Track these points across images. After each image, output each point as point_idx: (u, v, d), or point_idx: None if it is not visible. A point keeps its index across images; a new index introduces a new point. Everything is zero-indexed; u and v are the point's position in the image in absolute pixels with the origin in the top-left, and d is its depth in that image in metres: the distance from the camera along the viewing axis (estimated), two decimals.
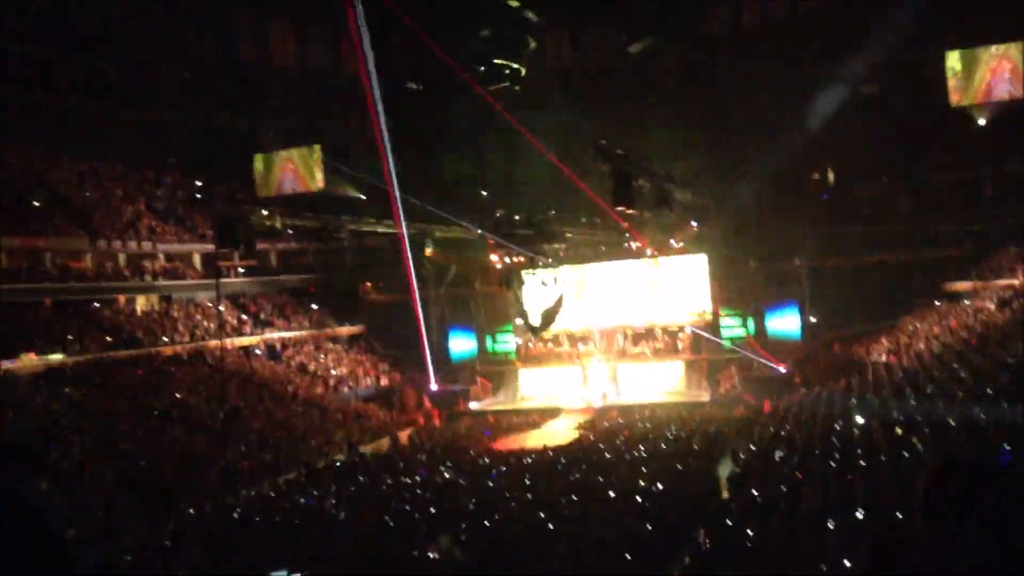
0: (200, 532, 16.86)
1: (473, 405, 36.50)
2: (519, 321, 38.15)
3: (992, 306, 30.54)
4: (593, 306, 37.95)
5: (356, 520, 16.42)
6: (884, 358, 31.60)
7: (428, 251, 37.90)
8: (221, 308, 36.90)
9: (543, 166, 41.05)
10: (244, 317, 38.60)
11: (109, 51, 38.23)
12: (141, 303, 36.23)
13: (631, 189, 23.35)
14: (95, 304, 33.83)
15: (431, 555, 13.10)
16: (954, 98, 31.95)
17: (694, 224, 36.44)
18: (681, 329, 37.21)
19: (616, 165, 22.73)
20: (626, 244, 38.70)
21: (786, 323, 35.36)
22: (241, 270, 41.71)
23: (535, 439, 27.77)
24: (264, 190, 39.82)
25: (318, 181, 38.79)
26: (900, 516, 10.74)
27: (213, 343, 34.03)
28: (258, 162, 39.87)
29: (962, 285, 34.91)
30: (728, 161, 38.24)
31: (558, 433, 28.97)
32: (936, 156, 38.18)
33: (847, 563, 9.57)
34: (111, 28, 37.50)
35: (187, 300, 37.47)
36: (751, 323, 36.21)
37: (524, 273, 38.18)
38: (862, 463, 15.81)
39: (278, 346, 37.91)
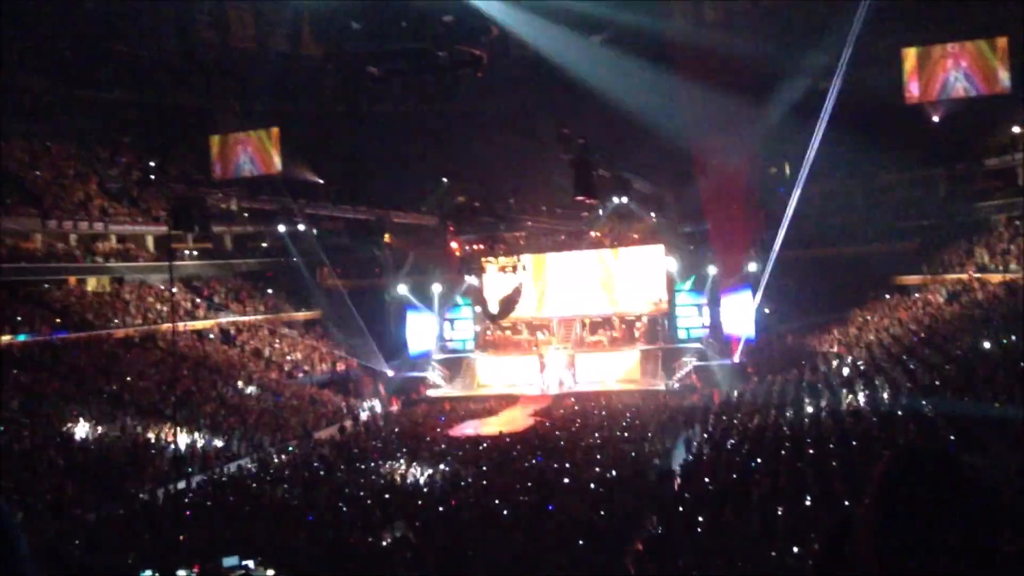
0: (151, 518, 16.65)
1: (430, 392, 36.45)
2: (478, 309, 38.13)
3: (941, 299, 31.19)
4: (551, 295, 38.07)
5: (310, 507, 16.34)
6: (835, 349, 32.14)
7: (386, 237, 37.77)
8: (174, 291, 36.37)
9: (505, 154, 41.07)
10: (198, 300, 38.09)
11: (62, 29, 37.34)
12: (92, 285, 35.59)
13: (592, 178, 23.45)
14: (45, 285, 33.16)
15: (386, 541, 13.09)
16: (909, 95, 32.51)
17: (652, 215, 36.67)
18: (638, 318, 37.48)
19: (577, 154, 22.80)
20: (585, 233, 38.87)
21: (739, 308, 35.56)
22: (195, 253, 41.14)
23: (491, 426, 27.81)
24: (220, 172, 39.33)
25: (275, 164, 38.41)
26: (848, 504, 10.96)
27: (166, 326, 33.54)
28: (214, 144, 39.34)
29: (912, 279, 35.62)
30: (687, 152, 38.42)
31: (514, 420, 29.00)
32: (890, 153, 38.77)
33: (796, 550, 9.75)
34: (64, 5, 36.56)
35: (139, 282, 36.87)
36: (706, 313, 36.53)
37: (484, 261, 38.16)
38: (812, 452, 16.09)
39: (232, 330, 37.47)
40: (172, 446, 23.29)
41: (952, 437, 14.81)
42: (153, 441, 24.08)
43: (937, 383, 20.74)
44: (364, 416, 31.71)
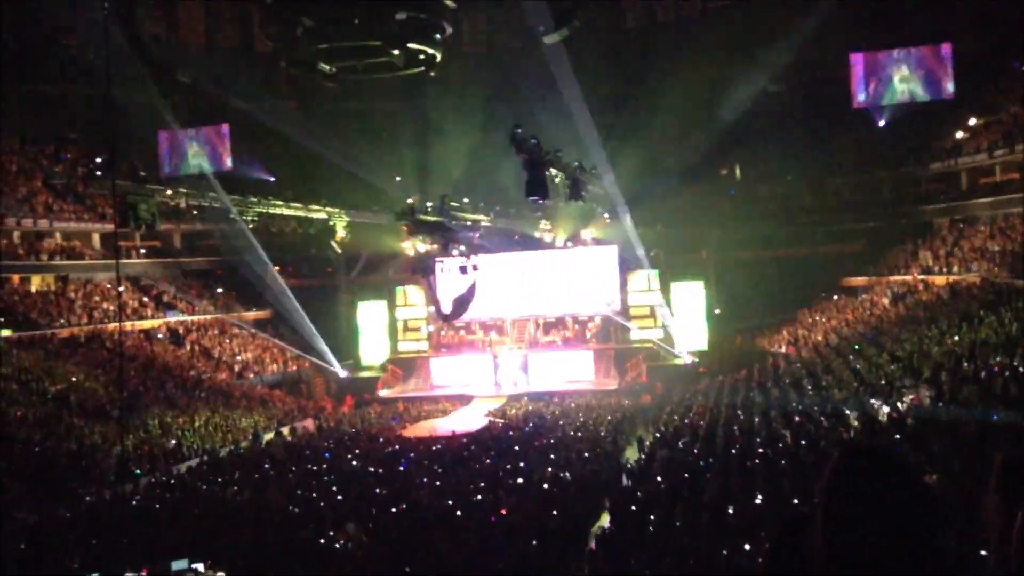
0: (97, 520, 16.32)
1: (383, 392, 36.24)
2: (431, 309, 37.96)
3: (886, 301, 31.82)
4: (505, 295, 38.06)
5: (260, 508, 16.15)
6: (784, 349, 32.64)
7: (338, 236, 37.40)
8: (121, 289, 35.71)
9: (458, 152, 41.00)
10: (145, 299, 37.45)
11: (5, 21, 36.44)
12: (36, 283, 34.85)
13: (545, 179, 23.40)
14: None
15: (337, 543, 12.99)
16: (857, 100, 33.16)
17: (606, 216, 36.87)
18: (591, 318, 37.69)
19: (530, 154, 22.73)
20: (539, 234, 38.96)
21: (691, 307, 35.95)
22: (143, 251, 40.42)
23: (445, 426, 27.75)
24: (169, 169, 38.70)
25: (225, 161, 37.93)
26: (797, 503, 11.13)
27: (112, 326, 32.92)
28: (163, 140, 38.71)
29: (859, 280, 36.33)
30: (641, 153, 38.72)
31: (468, 420, 29.00)
32: (838, 157, 39.49)
33: (747, 547, 9.88)
34: None
35: (85, 281, 36.16)
36: (659, 313, 36.84)
37: (437, 260, 37.99)
38: (761, 451, 16.30)
39: (181, 330, 36.87)
40: (119, 448, 22.85)
41: (897, 436, 15.11)
42: (100, 443, 23.60)
43: (883, 383, 21.14)
44: (305, 425, 30.88)
